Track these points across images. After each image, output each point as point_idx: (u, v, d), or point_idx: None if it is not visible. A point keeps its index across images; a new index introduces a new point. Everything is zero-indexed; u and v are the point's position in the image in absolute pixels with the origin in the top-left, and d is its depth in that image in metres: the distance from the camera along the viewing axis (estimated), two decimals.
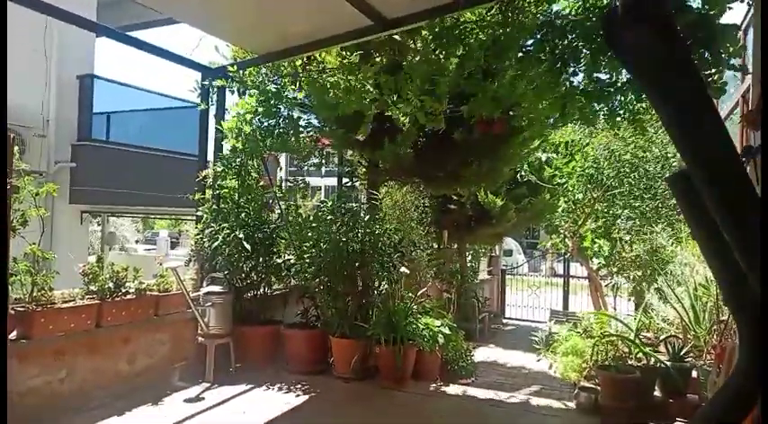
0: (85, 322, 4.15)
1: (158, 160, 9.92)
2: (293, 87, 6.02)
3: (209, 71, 5.76)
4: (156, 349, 4.85)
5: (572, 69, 4.05)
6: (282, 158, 10.02)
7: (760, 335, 1.95)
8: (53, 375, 3.96)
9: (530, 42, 4.12)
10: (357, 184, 7.57)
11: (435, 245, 8.94)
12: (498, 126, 5.12)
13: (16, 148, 6.75)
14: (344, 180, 7.60)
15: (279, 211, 6.08)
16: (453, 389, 5.23)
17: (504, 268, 13.72)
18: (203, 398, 4.58)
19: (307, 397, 4.73)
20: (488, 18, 4.33)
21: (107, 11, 9.51)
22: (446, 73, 4.45)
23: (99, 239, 14.11)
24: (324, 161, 8.36)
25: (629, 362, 4.55)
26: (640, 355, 4.59)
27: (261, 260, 5.71)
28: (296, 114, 6.14)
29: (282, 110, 5.98)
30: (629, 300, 8.56)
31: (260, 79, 6.01)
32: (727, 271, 2.12)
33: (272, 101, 5.79)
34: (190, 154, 6.96)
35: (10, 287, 3.67)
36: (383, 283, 5.60)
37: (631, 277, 7.95)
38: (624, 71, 3.87)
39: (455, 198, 8.85)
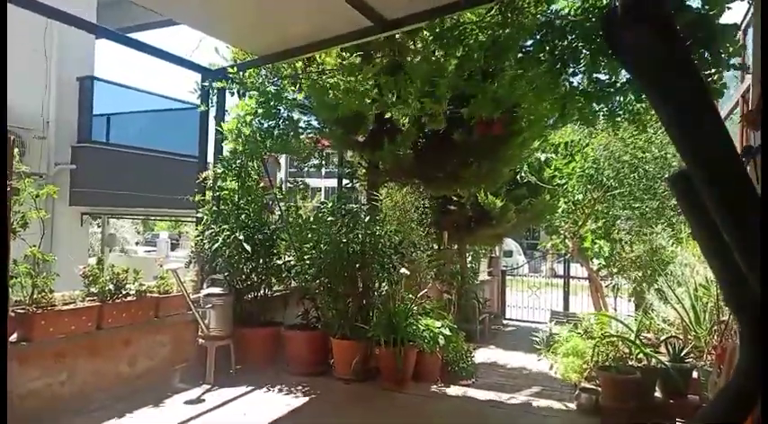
0: (86, 325, 4.15)
1: (158, 161, 9.90)
2: (293, 88, 6.02)
3: (209, 72, 5.76)
4: (156, 351, 4.84)
5: (572, 70, 4.06)
6: (282, 159, 10.01)
7: (760, 335, 1.95)
8: (54, 377, 3.96)
9: (529, 43, 4.13)
10: (357, 185, 7.56)
11: (435, 246, 8.90)
12: (498, 126, 5.11)
13: (16, 150, 6.76)
14: (344, 181, 7.60)
15: (279, 212, 6.07)
16: (454, 390, 5.23)
17: (504, 268, 13.71)
18: (204, 400, 4.58)
19: (307, 399, 4.73)
20: (488, 19, 4.33)
21: (107, 12, 9.50)
22: (446, 74, 4.45)
23: (99, 241, 14.13)
24: (324, 162, 8.36)
25: (630, 363, 4.54)
26: (641, 356, 4.59)
27: (261, 261, 5.71)
28: (296, 115, 6.15)
29: (282, 111, 5.99)
30: (630, 301, 8.55)
31: (260, 80, 6.01)
32: (728, 271, 2.12)
33: (271, 103, 5.80)
34: (190, 156, 6.96)
35: (10, 290, 3.66)
36: (383, 284, 5.60)
37: (632, 277, 7.95)
38: (624, 71, 3.88)
39: (455, 199, 8.85)
